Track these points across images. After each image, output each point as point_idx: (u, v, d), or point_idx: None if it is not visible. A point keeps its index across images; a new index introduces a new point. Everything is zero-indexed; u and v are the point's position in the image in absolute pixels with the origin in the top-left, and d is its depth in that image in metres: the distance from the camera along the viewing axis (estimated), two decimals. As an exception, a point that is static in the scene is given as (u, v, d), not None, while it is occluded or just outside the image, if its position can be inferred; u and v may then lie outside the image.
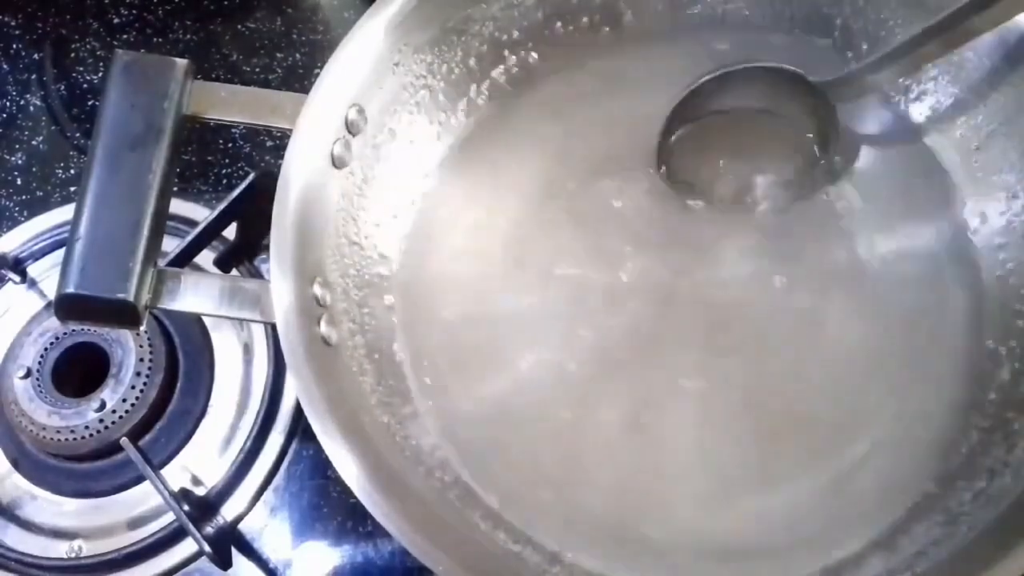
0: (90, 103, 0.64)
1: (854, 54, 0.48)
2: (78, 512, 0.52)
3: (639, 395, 0.44)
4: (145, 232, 0.40)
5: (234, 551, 0.51)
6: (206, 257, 0.53)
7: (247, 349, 0.55)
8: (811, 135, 0.47)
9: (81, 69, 0.66)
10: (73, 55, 0.66)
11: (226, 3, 0.67)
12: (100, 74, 0.65)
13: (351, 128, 0.44)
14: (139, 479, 0.52)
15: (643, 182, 0.48)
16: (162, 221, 0.41)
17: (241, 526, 0.51)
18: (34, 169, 0.63)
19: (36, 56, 0.67)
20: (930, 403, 0.42)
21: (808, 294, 0.45)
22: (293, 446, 0.53)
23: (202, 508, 0.51)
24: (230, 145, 0.61)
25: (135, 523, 0.52)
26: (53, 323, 0.53)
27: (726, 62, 0.46)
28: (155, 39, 0.66)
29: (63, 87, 0.66)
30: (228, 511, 0.51)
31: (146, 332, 0.53)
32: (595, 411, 0.44)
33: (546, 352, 0.45)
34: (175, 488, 0.50)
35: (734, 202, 0.47)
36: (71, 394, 0.52)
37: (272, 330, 0.49)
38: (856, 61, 0.47)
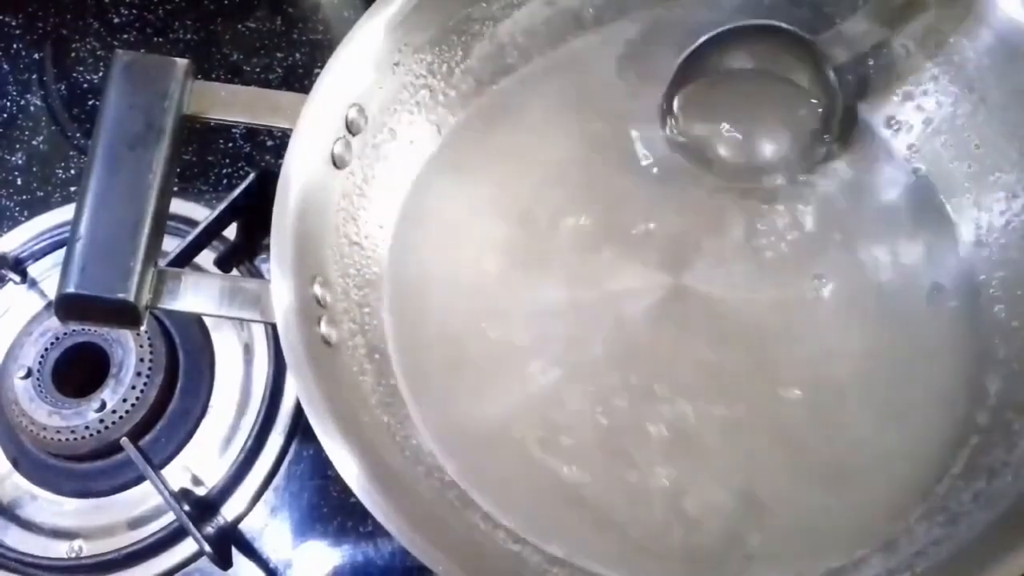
0: (90, 103, 0.64)
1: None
2: (78, 512, 0.52)
3: (637, 401, 0.44)
4: (145, 232, 0.40)
5: (234, 551, 0.51)
6: (206, 257, 0.53)
7: (247, 349, 0.55)
8: (815, 102, 0.46)
9: (81, 69, 0.66)
10: (73, 55, 0.66)
11: (226, 3, 0.67)
12: (100, 74, 0.65)
13: (351, 128, 0.44)
14: (139, 479, 0.52)
15: (646, 173, 0.48)
16: (162, 221, 0.41)
17: (241, 526, 0.51)
18: (34, 169, 0.63)
19: (36, 56, 0.67)
20: (931, 407, 0.42)
21: (809, 300, 0.45)
22: (293, 446, 0.53)
23: (202, 508, 0.51)
24: (230, 145, 0.61)
25: (135, 523, 0.52)
26: (53, 323, 0.53)
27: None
28: (155, 39, 0.66)
29: (63, 87, 0.66)
30: (228, 511, 0.51)
31: (146, 332, 0.53)
32: (589, 416, 0.44)
33: (538, 362, 0.45)
34: (175, 488, 0.50)
35: (742, 171, 0.47)
36: (71, 394, 0.52)
37: (272, 330, 0.49)
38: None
